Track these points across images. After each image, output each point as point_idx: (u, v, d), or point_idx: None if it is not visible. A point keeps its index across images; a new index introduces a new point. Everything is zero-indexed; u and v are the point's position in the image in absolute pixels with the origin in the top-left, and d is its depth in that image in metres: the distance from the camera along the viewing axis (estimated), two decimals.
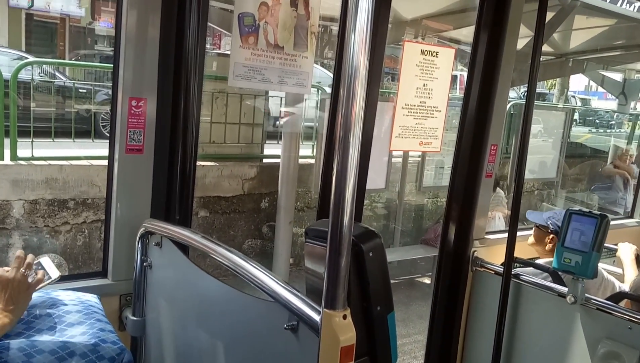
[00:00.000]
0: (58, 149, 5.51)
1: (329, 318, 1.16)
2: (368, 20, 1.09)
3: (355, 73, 1.10)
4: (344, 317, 1.16)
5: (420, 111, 2.62)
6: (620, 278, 2.78)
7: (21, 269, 1.51)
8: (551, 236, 2.73)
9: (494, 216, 4.72)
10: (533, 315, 2.50)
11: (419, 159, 6.16)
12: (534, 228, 2.82)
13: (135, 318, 1.92)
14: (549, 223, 2.75)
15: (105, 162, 4.85)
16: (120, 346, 1.58)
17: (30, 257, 1.55)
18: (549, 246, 2.74)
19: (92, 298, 1.73)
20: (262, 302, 1.42)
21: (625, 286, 2.65)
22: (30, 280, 1.52)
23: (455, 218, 2.75)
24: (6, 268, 1.50)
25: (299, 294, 1.31)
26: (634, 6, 7.29)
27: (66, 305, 1.64)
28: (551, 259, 2.45)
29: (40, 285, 1.55)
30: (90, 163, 5.16)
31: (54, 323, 1.56)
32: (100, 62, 10.02)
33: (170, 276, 1.85)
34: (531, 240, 2.81)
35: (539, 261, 2.69)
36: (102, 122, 6.78)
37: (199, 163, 5.58)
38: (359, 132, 1.12)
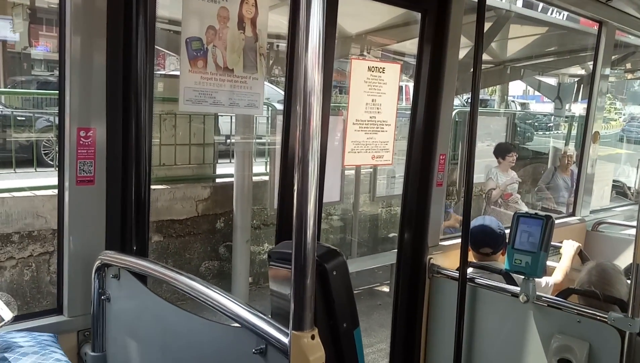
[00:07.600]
0: None
1: (298, 339, 1.17)
2: (319, 38, 1.11)
3: (311, 90, 1.11)
4: (312, 337, 1.18)
5: (371, 126, 2.69)
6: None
7: None
8: None
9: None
10: (489, 316, 2.59)
11: (371, 170, 6.26)
12: None
13: (95, 354, 1.86)
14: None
15: (50, 192, 4.68)
16: None
17: None
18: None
19: (48, 337, 1.67)
20: (229, 328, 1.41)
21: (552, 279, 2.81)
22: None
23: (410, 228, 2.82)
24: None
25: (265, 317, 1.31)
26: (563, 15, 7.74)
27: (22, 347, 1.57)
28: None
29: None
30: (34, 193, 4.95)
31: None
32: (37, 88, 9.61)
33: (130, 308, 1.80)
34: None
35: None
36: (44, 150, 6.52)
37: None
38: (317, 148, 1.13)
